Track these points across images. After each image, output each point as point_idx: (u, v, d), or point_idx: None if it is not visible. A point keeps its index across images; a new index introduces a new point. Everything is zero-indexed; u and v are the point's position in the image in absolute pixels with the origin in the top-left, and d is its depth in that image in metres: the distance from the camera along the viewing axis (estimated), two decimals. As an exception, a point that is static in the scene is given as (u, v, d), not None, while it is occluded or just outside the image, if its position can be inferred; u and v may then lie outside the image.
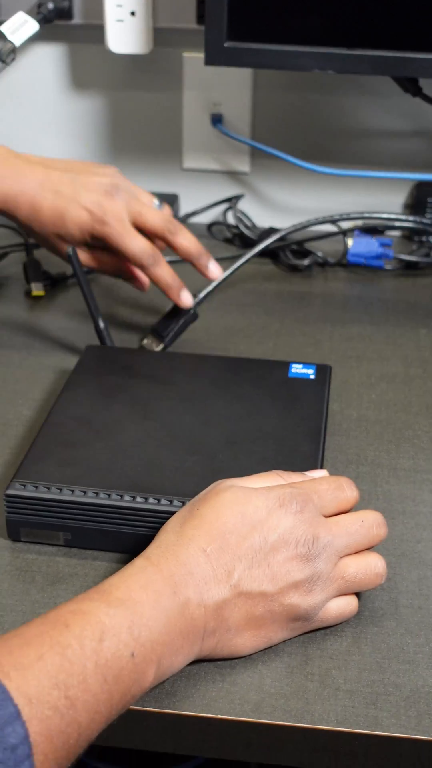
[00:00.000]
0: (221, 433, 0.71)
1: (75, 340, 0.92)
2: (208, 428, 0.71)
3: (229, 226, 1.16)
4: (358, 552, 0.59)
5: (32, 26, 1.00)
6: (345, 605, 0.59)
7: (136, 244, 0.83)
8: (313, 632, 0.59)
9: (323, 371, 0.79)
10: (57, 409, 0.73)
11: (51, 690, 0.45)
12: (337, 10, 0.90)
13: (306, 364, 0.80)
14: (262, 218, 1.18)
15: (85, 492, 0.64)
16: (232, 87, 1.13)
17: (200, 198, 1.18)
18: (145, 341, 0.89)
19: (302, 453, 0.68)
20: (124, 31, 1.05)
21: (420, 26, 0.89)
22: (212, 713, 0.55)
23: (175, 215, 1.16)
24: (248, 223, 1.15)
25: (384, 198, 1.17)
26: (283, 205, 1.19)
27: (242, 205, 1.18)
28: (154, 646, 0.51)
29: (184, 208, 1.19)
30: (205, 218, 1.19)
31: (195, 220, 1.19)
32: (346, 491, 0.60)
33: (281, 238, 1.11)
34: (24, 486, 0.65)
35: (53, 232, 0.85)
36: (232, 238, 1.15)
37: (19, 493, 0.64)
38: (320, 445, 0.70)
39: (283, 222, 1.17)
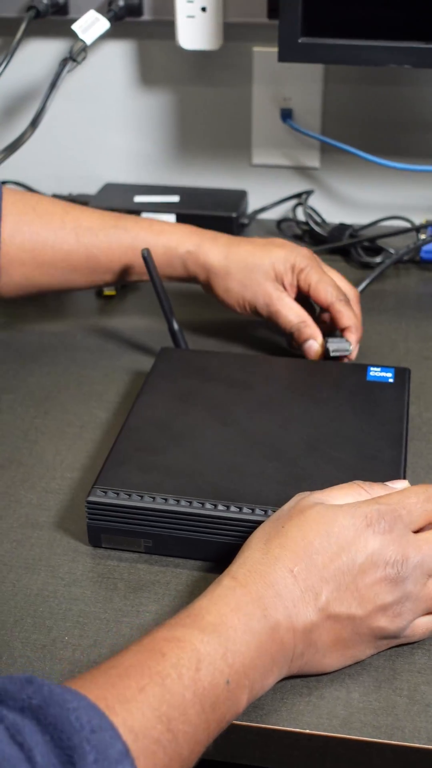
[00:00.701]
0: (300, 438, 0.70)
1: (148, 340, 0.91)
2: (287, 433, 0.70)
3: (298, 223, 1.14)
4: None
5: (103, 24, 0.99)
6: None
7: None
8: (400, 646, 0.58)
9: (402, 375, 0.77)
10: (135, 414, 0.72)
11: (155, 724, 0.45)
12: (414, 3, 0.88)
13: (384, 368, 0.78)
14: (332, 214, 1.16)
15: (166, 499, 0.64)
16: (302, 81, 1.11)
17: (269, 194, 1.17)
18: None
19: (384, 460, 0.67)
20: (194, 27, 1.04)
21: None
22: (299, 727, 0.54)
23: (244, 212, 1.16)
24: (318, 220, 1.14)
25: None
26: (354, 200, 1.17)
27: (312, 201, 1.16)
28: (246, 671, 0.50)
29: (253, 205, 1.18)
30: (274, 214, 1.17)
31: (264, 216, 1.17)
32: None
33: (352, 235, 1.10)
34: (105, 493, 0.64)
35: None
36: (302, 235, 1.13)
37: (100, 500, 0.64)
38: (402, 451, 0.68)
39: (354, 218, 1.16)
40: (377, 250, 1.07)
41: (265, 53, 1.10)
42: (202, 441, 0.69)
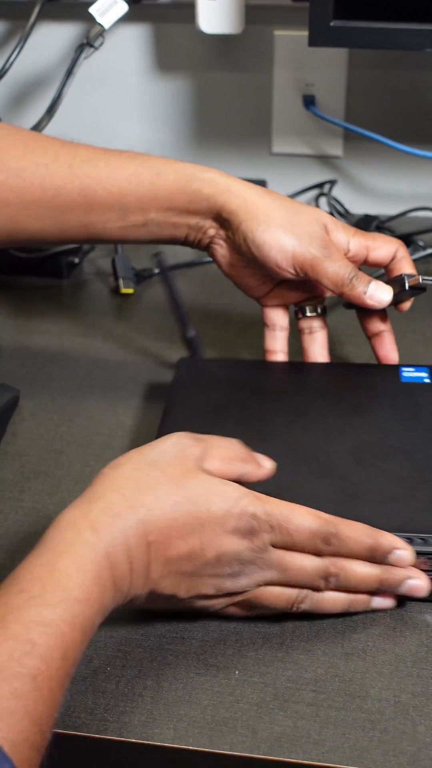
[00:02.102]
0: (345, 449, 0.66)
1: (170, 341, 0.87)
2: (330, 445, 0.66)
3: (321, 214, 1.10)
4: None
5: (121, 7, 0.95)
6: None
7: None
8: (466, 674, 0.55)
9: None
10: (162, 432, 0.66)
11: (34, 730, 0.44)
12: (454, -16, 0.84)
13: (418, 367, 0.74)
14: (355, 205, 1.12)
15: None
16: (325, 66, 1.07)
17: (290, 184, 1.13)
18: None
19: None
20: (216, 9, 0.99)
21: None
22: (364, 766, 0.50)
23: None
24: (341, 210, 1.10)
25: None
26: (378, 190, 1.13)
27: (335, 191, 1.12)
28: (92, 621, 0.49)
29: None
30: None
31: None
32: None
33: (378, 227, 1.06)
34: None
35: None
36: (325, 227, 1.09)
37: None
38: None
39: (379, 209, 1.12)
40: (406, 243, 1.03)
41: (287, 37, 1.06)
42: None
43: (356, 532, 0.55)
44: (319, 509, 0.60)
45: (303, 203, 0.74)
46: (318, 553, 0.55)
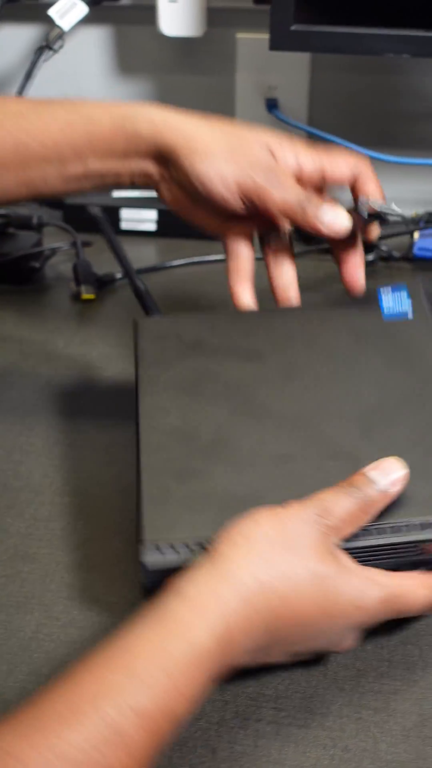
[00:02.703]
0: (348, 419, 0.60)
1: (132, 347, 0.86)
2: (330, 414, 0.60)
3: (285, 218, 1.10)
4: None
5: (81, 9, 0.94)
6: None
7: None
8: (427, 689, 0.54)
9: (417, 300, 0.66)
10: (145, 427, 0.61)
11: None
12: (415, -11, 0.84)
13: (394, 287, 0.66)
14: (319, 209, 1.12)
15: None
16: (288, 70, 1.06)
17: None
18: None
19: None
20: (177, 12, 0.99)
21: None
22: (325, 785, 0.50)
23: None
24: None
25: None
26: (342, 194, 1.12)
27: (299, 195, 1.11)
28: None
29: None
30: (258, 209, 1.13)
31: (248, 210, 1.12)
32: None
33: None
34: (160, 550, 0.54)
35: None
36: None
37: (159, 559, 0.54)
38: None
39: (343, 213, 1.11)
40: (369, 248, 1.03)
41: (249, 40, 1.05)
42: (239, 446, 0.59)
43: None
44: None
45: (248, 128, 0.68)
46: None
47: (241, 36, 1.05)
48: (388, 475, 0.53)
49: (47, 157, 0.67)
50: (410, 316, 0.65)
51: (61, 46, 0.93)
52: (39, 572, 0.62)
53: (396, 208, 0.66)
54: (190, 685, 0.45)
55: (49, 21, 0.93)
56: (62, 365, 0.84)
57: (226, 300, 0.71)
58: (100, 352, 0.86)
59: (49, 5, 0.93)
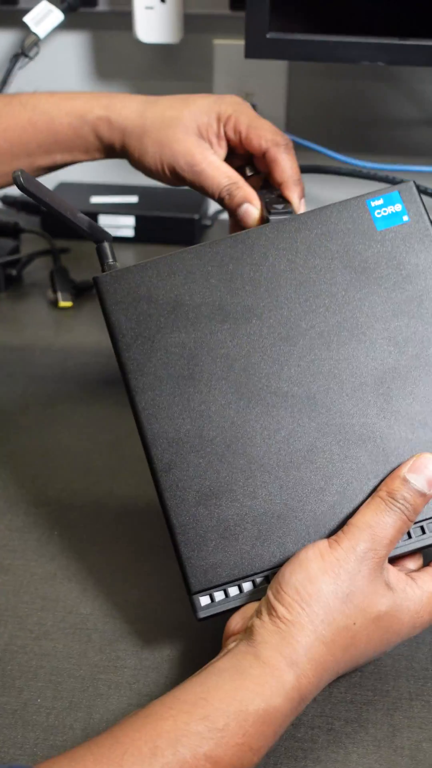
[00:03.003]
0: (364, 390, 0.55)
1: (109, 354, 0.86)
2: (344, 386, 0.55)
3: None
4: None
5: (57, 16, 0.94)
6: None
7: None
8: (398, 699, 0.54)
9: (413, 204, 0.58)
10: (152, 441, 0.55)
11: None
12: (389, -2, 0.84)
13: (385, 197, 0.58)
14: (297, 214, 1.12)
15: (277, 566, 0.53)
16: (265, 76, 1.06)
17: (232, 193, 1.12)
18: None
19: None
20: (153, 18, 0.99)
21: None
22: (296, 796, 0.50)
23: (206, 213, 1.11)
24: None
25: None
26: (319, 199, 1.13)
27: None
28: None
29: (213, 206, 1.13)
30: (237, 214, 1.13)
31: (225, 217, 1.12)
32: None
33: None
34: (211, 598, 0.54)
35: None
36: (267, 237, 1.09)
37: (212, 611, 0.54)
38: None
39: (320, 218, 1.11)
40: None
41: (226, 46, 1.05)
42: (258, 445, 0.55)
43: None
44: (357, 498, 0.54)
45: (186, 108, 0.74)
46: None
47: (219, 42, 1.05)
48: (425, 474, 0.53)
49: (16, 154, 0.73)
50: (407, 219, 0.58)
51: (36, 53, 0.93)
52: (12, 584, 0.62)
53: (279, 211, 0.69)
54: (260, 738, 0.47)
55: (25, 28, 0.93)
56: (39, 374, 0.84)
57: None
58: (77, 360, 0.86)
59: (25, 12, 0.93)
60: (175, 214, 1.06)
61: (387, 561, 0.52)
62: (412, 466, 0.54)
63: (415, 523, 0.54)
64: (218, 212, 1.12)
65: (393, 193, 0.58)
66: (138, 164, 0.74)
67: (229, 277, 0.57)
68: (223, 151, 0.73)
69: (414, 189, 0.58)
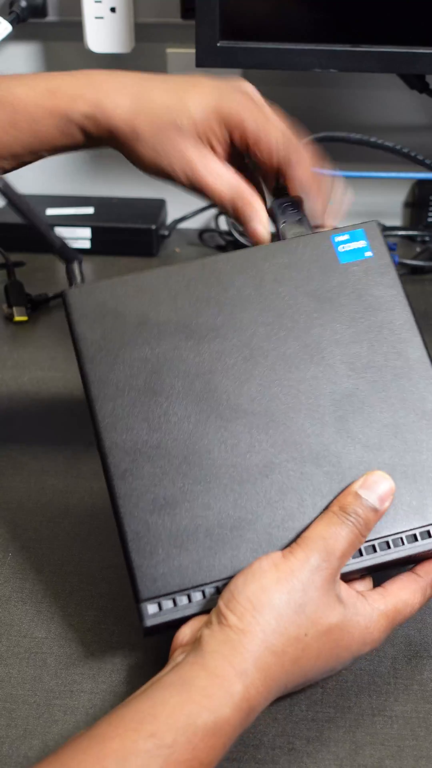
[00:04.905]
0: (321, 410, 0.56)
1: (66, 370, 0.85)
2: (302, 406, 0.56)
3: (221, 233, 1.09)
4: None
5: (5, 28, 0.92)
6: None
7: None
8: (360, 715, 0.54)
9: (375, 236, 0.61)
10: (110, 450, 0.55)
11: None
12: (340, 4, 0.83)
13: (351, 233, 0.61)
14: (256, 222, 1.11)
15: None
16: (220, 84, 1.06)
17: (189, 203, 1.11)
18: None
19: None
20: (104, 28, 0.97)
21: (429, 20, 0.82)
22: None
23: (163, 223, 1.10)
24: (241, 229, 1.08)
25: (384, 197, 1.11)
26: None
27: (234, 209, 1.11)
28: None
29: (172, 215, 1.12)
30: (195, 224, 1.12)
31: (184, 226, 1.11)
32: None
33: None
34: (159, 606, 0.52)
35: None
36: (226, 246, 1.08)
37: (159, 620, 0.52)
38: None
39: (279, 226, 1.11)
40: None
41: (180, 54, 1.04)
42: (214, 459, 0.55)
43: None
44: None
45: (182, 104, 0.66)
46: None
47: (171, 51, 1.04)
48: (376, 491, 0.53)
49: (1, 155, 0.68)
50: (369, 254, 0.60)
51: (-15, 65, 0.91)
52: (-35, 608, 0.61)
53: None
54: (210, 752, 0.46)
55: (-27, 40, 0.91)
56: (-5, 390, 0.83)
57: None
58: (32, 375, 0.85)
59: (-28, 24, 0.92)
60: (131, 225, 1.05)
61: (339, 576, 0.51)
62: (364, 482, 0.53)
63: (367, 541, 0.53)
64: (176, 222, 1.11)
65: (358, 230, 0.61)
66: (135, 166, 0.67)
67: (195, 298, 0.59)
68: (225, 151, 0.66)
69: (377, 228, 0.61)
